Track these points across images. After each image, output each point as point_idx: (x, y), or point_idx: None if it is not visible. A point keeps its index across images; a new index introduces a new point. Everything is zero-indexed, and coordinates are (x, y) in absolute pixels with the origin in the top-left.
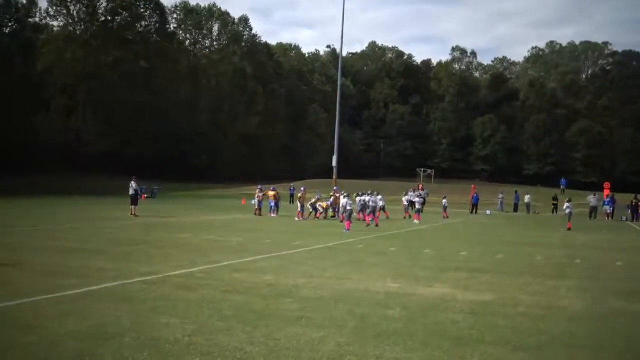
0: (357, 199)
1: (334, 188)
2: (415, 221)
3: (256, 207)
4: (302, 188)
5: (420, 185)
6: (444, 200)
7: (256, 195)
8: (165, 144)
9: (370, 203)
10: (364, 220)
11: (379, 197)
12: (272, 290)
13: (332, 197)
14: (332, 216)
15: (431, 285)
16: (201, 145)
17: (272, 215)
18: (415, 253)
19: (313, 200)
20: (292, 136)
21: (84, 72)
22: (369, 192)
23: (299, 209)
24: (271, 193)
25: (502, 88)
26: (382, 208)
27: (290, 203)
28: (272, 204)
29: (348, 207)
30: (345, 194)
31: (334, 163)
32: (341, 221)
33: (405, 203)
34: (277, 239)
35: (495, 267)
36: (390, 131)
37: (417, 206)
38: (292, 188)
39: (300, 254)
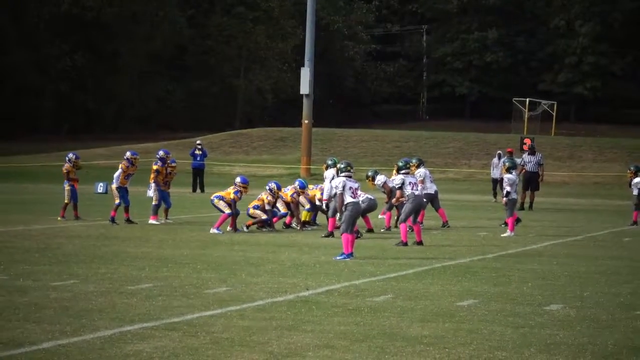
0: (379, 178)
1: (329, 161)
2: (508, 233)
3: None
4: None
5: (510, 150)
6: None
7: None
8: None
9: (410, 187)
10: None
11: (425, 172)
12: None
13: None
14: (307, 222)
15: None
16: None
17: (154, 221)
18: None
19: (266, 196)
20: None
21: None
22: (405, 162)
23: (225, 210)
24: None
25: None
26: (433, 200)
27: (193, 191)
28: (151, 190)
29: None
30: (334, 164)
31: (304, 88)
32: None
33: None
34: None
35: None
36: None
37: (507, 193)
38: (200, 150)
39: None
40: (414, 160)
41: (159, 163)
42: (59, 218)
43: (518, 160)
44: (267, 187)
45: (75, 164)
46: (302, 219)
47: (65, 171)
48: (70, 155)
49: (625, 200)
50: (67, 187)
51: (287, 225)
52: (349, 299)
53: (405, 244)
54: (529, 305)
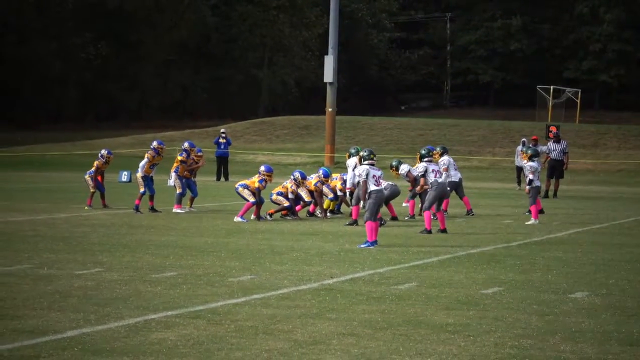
0: (403, 167)
1: (352, 150)
2: (532, 220)
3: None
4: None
5: (535, 137)
6: None
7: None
8: None
9: (432, 174)
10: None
11: (448, 160)
12: None
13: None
14: (331, 210)
15: None
16: None
17: (178, 210)
18: None
19: (291, 185)
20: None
21: None
22: (427, 150)
23: (249, 198)
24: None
25: None
26: (457, 188)
27: (217, 179)
28: (171, 179)
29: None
30: (356, 152)
31: (328, 76)
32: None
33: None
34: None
35: None
36: None
37: (530, 181)
38: (224, 139)
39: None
40: (437, 149)
41: (184, 154)
42: (85, 207)
43: (543, 148)
44: (292, 176)
45: (108, 159)
46: (325, 207)
47: (95, 166)
48: (103, 151)
49: None
50: (87, 177)
51: (311, 214)
52: (373, 287)
53: (429, 232)
54: (553, 293)
